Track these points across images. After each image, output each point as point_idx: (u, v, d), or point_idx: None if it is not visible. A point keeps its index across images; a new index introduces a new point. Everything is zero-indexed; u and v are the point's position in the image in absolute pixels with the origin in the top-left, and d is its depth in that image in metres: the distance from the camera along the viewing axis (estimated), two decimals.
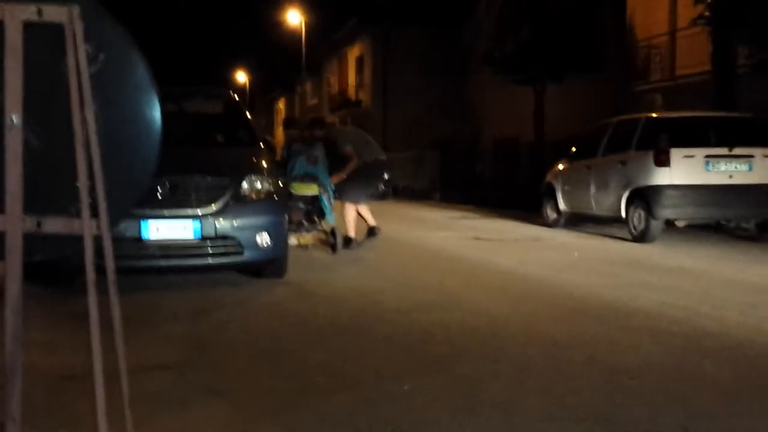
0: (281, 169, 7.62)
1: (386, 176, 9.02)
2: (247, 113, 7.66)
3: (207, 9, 70.74)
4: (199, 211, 5.68)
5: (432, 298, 5.75)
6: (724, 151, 9.36)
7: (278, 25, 39.56)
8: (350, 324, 4.84)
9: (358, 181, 8.74)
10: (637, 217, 9.64)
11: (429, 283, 6.48)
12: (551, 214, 12.24)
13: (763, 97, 13.60)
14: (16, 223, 2.17)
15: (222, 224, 5.72)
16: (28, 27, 2.13)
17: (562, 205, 11.88)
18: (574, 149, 11.96)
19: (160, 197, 5.56)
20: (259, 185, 6.07)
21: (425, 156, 28.06)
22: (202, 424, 2.98)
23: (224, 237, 5.76)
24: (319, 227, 8.57)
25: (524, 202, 15.65)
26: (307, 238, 8.50)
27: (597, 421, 3.00)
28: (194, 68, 51.99)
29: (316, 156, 8.37)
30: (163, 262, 5.70)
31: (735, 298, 5.76)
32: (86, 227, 2.19)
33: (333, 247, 8.33)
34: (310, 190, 8.33)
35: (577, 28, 19.72)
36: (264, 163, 6.41)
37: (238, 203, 5.86)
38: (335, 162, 8.63)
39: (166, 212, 5.61)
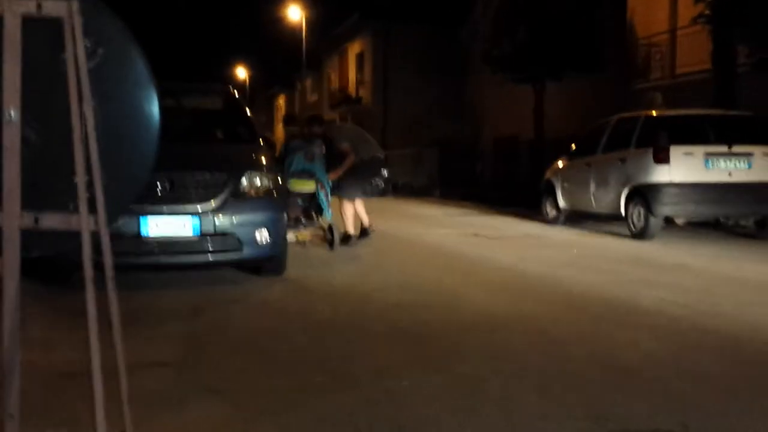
0: (279, 165, 7.62)
1: (385, 173, 9.02)
2: (247, 109, 7.65)
3: (207, 4, 70.75)
4: (198, 208, 5.67)
5: (431, 296, 5.74)
6: (723, 149, 9.36)
7: (278, 21, 39.49)
8: (349, 321, 4.84)
9: (355, 178, 8.76)
10: (637, 215, 9.65)
11: (428, 280, 6.47)
12: (551, 212, 12.24)
13: (763, 96, 13.61)
14: (14, 219, 2.16)
15: (221, 221, 5.71)
16: (27, 21, 2.12)
17: (561, 203, 11.88)
18: (573, 147, 11.96)
19: (159, 193, 5.54)
20: (258, 182, 6.06)
21: (424, 153, 28.05)
22: (200, 423, 2.97)
23: (223, 234, 5.75)
24: (317, 224, 8.59)
25: (524, 199, 15.66)
26: (305, 234, 8.51)
27: (596, 419, 3.00)
28: (194, 64, 51.99)
29: (313, 153, 8.38)
30: (162, 259, 5.68)
31: (734, 295, 5.76)
32: (84, 223, 2.18)
33: (330, 244, 8.36)
34: (308, 186, 8.35)
35: (576, 27, 19.71)
36: (263, 160, 6.40)
37: (238, 200, 5.84)
38: (333, 159, 8.64)
39: (165, 208, 5.59)
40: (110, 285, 2.24)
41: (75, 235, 2.19)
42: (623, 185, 9.91)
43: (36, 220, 2.19)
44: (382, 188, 9.04)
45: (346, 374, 3.63)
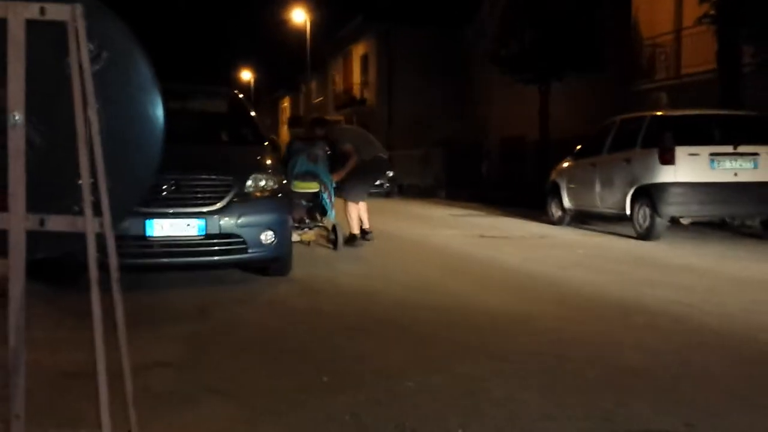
0: (282, 167, 7.66)
1: (389, 173, 9.05)
2: (252, 111, 7.67)
3: (211, 7, 70.83)
4: (203, 209, 5.69)
5: (436, 296, 5.75)
6: (729, 149, 9.34)
7: (283, 24, 39.60)
8: (354, 322, 4.84)
9: (357, 179, 8.82)
10: (642, 215, 9.63)
11: (433, 281, 6.48)
12: (556, 212, 12.22)
13: None
14: (20, 221, 2.18)
15: (226, 222, 5.73)
16: (31, 25, 2.13)
17: (567, 203, 11.87)
18: (579, 147, 11.95)
19: (164, 195, 5.57)
20: (263, 183, 6.08)
21: (431, 154, 28.04)
22: (206, 423, 2.99)
23: (229, 235, 5.77)
24: (321, 224, 8.63)
25: (529, 199, 15.64)
26: (309, 235, 8.54)
27: (599, 420, 3.00)
28: (198, 67, 52.01)
29: (316, 154, 8.43)
30: (167, 260, 5.71)
31: (739, 295, 5.75)
32: (89, 225, 2.19)
33: (334, 244, 8.40)
34: (311, 187, 8.39)
35: (577, 28, 19.71)
36: (268, 161, 6.42)
37: (243, 201, 5.86)
38: (336, 160, 8.68)
39: (170, 210, 5.61)
40: (115, 286, 2.26)
41: (80, 237, 2.21)
42: (629, 186, 9.89)
43: (42, 222, 2.21)
44: (388, 189, 9.06)
45: (351, 374, 3.64)
